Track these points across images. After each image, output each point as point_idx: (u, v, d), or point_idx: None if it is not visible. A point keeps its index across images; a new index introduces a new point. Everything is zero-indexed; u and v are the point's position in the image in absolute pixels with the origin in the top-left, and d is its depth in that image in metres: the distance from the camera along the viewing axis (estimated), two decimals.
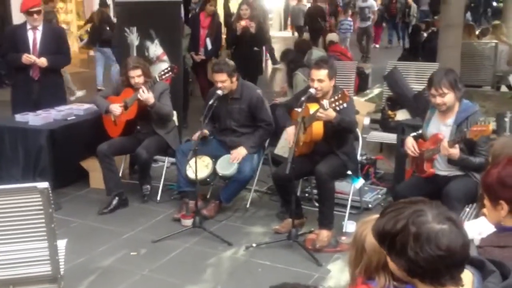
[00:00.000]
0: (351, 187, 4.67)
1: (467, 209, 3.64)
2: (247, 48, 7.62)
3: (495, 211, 2.22)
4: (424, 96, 5.32)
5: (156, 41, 6.09)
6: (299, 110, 4.28)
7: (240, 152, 4.80)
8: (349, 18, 15.36)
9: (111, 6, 10.84)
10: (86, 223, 4.77)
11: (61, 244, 3.20)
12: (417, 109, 5.61)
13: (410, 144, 4.11)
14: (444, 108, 3.91)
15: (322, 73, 4.26)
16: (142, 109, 5.06)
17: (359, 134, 5.00)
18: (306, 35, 14.46)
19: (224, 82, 4.74)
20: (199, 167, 4.57)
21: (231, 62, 4.89)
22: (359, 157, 4.83)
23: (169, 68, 5.08)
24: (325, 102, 4.05)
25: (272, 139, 5.26)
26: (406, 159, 4.58)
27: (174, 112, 5.39)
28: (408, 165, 4.56)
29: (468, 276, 1.59)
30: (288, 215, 4.47)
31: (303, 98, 4.21)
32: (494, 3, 24.57)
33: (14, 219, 2.83)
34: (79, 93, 9.68)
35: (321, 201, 4.42)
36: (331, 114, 4.06)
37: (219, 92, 4.74)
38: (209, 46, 7.87)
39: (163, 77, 5.06)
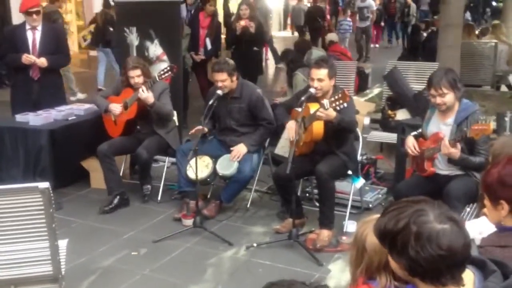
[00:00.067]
0: (351, 187, 4.67)
1: (468, 209, 3.64)
2: (246, 48, 7.62)
3: (495, 211, 2.22)
4: (424, 95, 5.32)
5: (156, 41, 6.09)
6: (299, 109, 4.28)
7: (240, 149, 4.79)
8: (348, 19, 15.38)
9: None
10: (87, 223, 4.77)
11: (62, 244, 3.20)
12: (417, 108, 5.61)
13: (411, 143, 4.11)
14: (444, 108, 3.91)
15: (322, 73, 4.26)
16: (142, 109, 5.06)
17: (359, 134, 5.00)
18: (307, 35, 14.47)
19: (224, 81, 4.74)
20: (199, 167, 4.57)
21: (231, 61, 4.89)
22: (359, 157, 4.83)
23: (168, 68, 5.08)
24: (325, 102, 4.05)
25: (272, 139, 5.26)
26: (407, 159, 4.58)
27: (174, 112, 5.39)
28: (408, 164, 4.56)
29: (469, 275, 1.59)
30: (289, 215, 4.47)
31: (303, 98, 4.21)
32: (494, 3, 24.59)
33: (15, 219, 2.83)
34: (80, 95, 9.68)
35: (321, 201, 4.42)
36: (332, 113, 4.06)
37: (219, 92, 4.74)
38: (209, 46, 7.87)
39: (163, 76, 5.06)
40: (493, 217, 2.26)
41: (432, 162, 4.02)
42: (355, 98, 6.39)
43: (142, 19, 6.05)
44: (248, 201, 5.12)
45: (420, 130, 4.21)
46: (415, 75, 6.49)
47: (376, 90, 8.67)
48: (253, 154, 4.88)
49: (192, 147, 4.60)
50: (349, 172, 4.55)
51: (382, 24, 18.07)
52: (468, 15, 17.96)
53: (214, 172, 4.85)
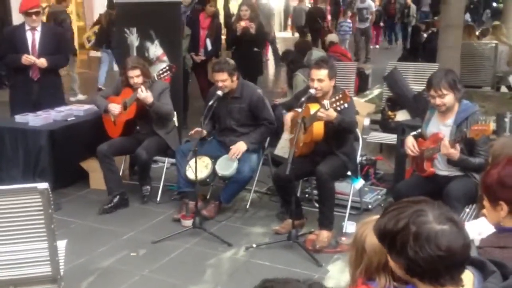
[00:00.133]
0: (351, 188, 4.66)
1: (467, 210, 3.64)
2: (247, 49, 7.62)
3: (494, 212, 2.22)
4: (424, 96, 5.31)
5: (156, 42, 6.10)
6: (299, 110, 4.28)
7: (239, 147, 4.78)
8: (348, 20, 15.38)
9: None
10: (86, 224, 4.77)
11: (61, 244, 3.20)
12: (417, 109, 5.61)
13: (410, 143, 4.11)
14: (443, 109, 3.90)
15: (322, 73, 4.26)
16: (141, 109, 5.06)
17: (359, 134, 4.99)
18: (308, 36, 14.47)
19: (224, 81, 4.74)
20: (199, 168, 4.57)
21: (232, 61, 4.89)
22: (359, 158, 4.82)
23: (167, 67, 5.08)
24: (326, 102, 4.05)
25: (272, 140, 5.25)
26: (406, 159, 4.58)
27: (175, 113, 5.38)
28: (408, 164, 4.56)
29: (468, 276, 1.59)
30: (288, 216, 4.46)
31: (303, 99, 4.21)
32: (494, 4, 24.61)
33: (14, 219, 2.82)
34: (80, 96, 9.69)
35: (321, 201, 4.42)
36: (332, 114, 4.06)
37: (219, 92, 4.74)
38: (209, 47, 7.88)
39: (161, 76, 5.05)
40: (492, 218, 2.25)
41: (432, 162, 4.02)
42: (355, 99, 6.37)
43: (143, 20, 6.06)
44: (248, 202, 5.12)
45: (419, 130, 4.21)
46: (415, 76, 6.49)
47: (376, 91, 8.65)
48: (252, 155, 4.87)
49: (192, 147, 4.60)
50: (349, 173, 4.55)
51: (382, 24, 18.08)
52: (467, 16, 17.96)
53: (214, 173, 4.85)
